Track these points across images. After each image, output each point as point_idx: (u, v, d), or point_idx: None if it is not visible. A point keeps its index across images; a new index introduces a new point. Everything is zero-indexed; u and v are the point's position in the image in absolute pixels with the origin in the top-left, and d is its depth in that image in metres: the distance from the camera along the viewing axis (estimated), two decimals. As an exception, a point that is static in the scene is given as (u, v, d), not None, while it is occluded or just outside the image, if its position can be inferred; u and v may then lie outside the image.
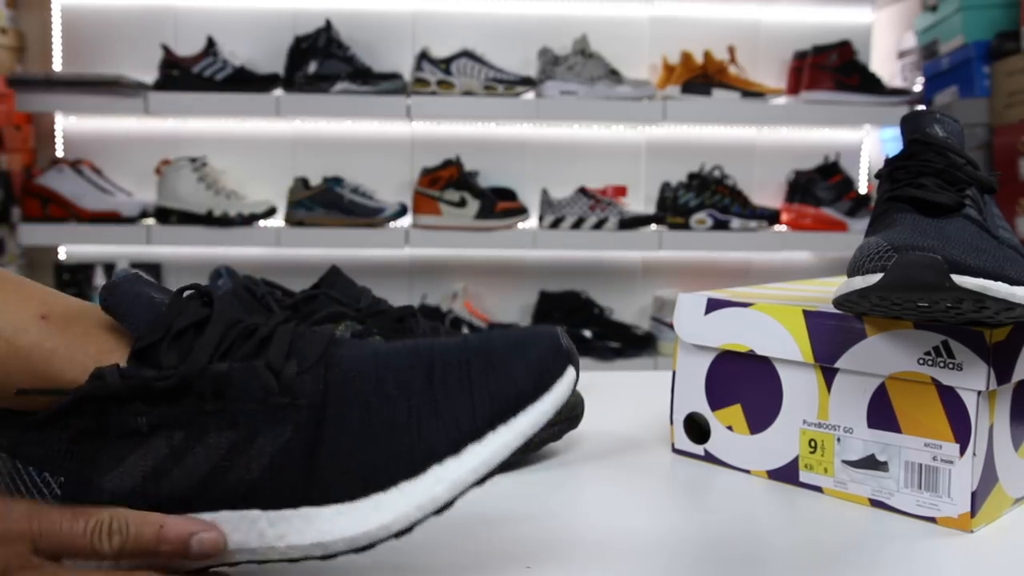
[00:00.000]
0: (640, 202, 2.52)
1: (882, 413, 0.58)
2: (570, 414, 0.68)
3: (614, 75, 2.30)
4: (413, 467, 0.40)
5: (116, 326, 0.43)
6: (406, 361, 0.42)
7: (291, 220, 2.27)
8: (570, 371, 0.42)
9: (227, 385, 0.41)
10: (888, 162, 0.62)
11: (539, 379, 0.41)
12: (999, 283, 0.48)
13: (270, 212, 2.25)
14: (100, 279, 2.30)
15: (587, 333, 2.34)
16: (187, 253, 2.41)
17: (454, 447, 0.40)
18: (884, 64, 2.61)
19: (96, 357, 0.42)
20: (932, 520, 0.57)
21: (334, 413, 0.41)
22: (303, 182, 2.28)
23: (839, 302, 0.55)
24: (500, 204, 2.28)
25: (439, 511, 0.41)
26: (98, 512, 0.39)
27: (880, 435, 0.59)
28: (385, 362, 0.42)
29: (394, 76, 2.26)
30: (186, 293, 0.44)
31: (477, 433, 0.41)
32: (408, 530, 0.41)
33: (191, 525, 0.40)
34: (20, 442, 0.41)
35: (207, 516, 0.41)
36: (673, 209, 2.35)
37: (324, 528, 0.40)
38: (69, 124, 2.43)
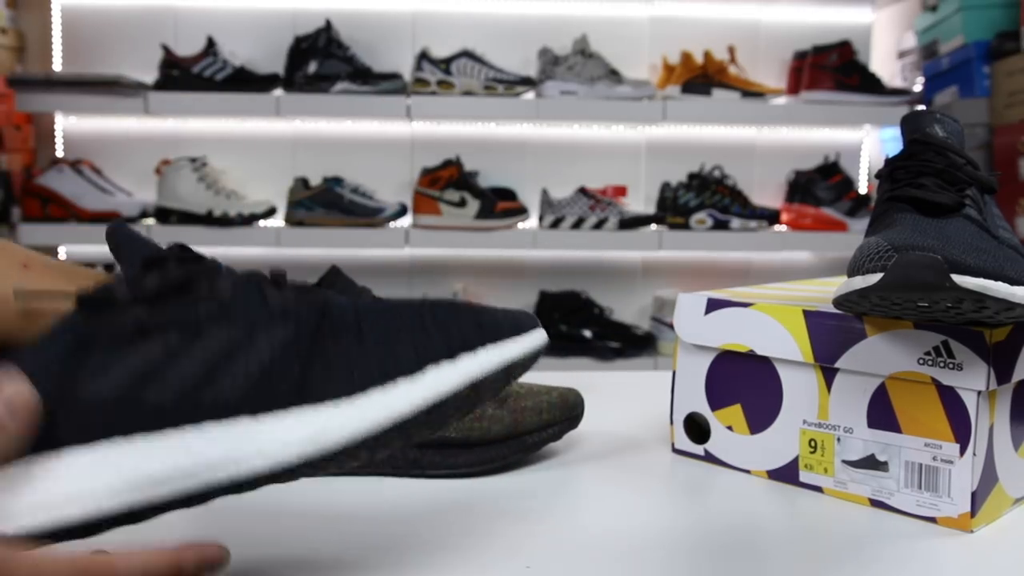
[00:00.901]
0: (640, 202, 2.52)
1: (882, 413, 0.58)
2: (570, 414, 0.68)
3: (614, 75, 2.30)
4: (409, 367, 0.42)
5: (99, 275, 0.45)
6: (393, 302, 0.45)
7: (291, 220, 2.27)
8: (540, 331, 0.46)
9: (232, 292, 0.42)
10: (888, 162, 0.62)
11: (518, 324, 0.45)
12: (999, 283, 0.48)
13: (270, 212, 2.25)
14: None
15: (587, 333, 2.34)
16: (187, 253, 2.41)
17: (448, 354, 0.42)
18: (884, 64, 2.61)
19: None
20: (932, 520, 0.57)
21: (332, 321, 0.42)
22: (303, 182, 2.28)
23: (839, 302, 0.55)
24: (500, 204, 2.28)
25: (439, 409, 0.42)
26: (96, 562, 0.36)
27: (880, 435, 0.59)
28: (375, 301, 0.45)
29: (394, 76, 2.26)
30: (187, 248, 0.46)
31: (469, 345, 0.43)
32: (408, 426, 0.41)
33: (204, 553, 0.38)
34: (14, 359, 0.39)
35: (191, 431, 0.39)
36: (673, 209, 2.35)
37: (318, 424, 0.40)
38: (69, 124, 2.43)
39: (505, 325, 0.44)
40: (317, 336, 0.42)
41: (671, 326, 1.00)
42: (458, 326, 0.43)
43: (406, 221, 2.35)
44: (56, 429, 0.38)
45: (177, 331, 0.40)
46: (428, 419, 0.42)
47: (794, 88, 2.43)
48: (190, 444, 0.39)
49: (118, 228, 0.44)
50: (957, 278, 0.48)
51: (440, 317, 0.44)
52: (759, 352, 0.64)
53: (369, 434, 0.40)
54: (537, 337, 0.45)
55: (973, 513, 0.55)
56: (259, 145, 2.46)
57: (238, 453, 0.39)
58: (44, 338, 0.39)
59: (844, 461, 0.61)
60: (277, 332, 0.41)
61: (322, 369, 0.41)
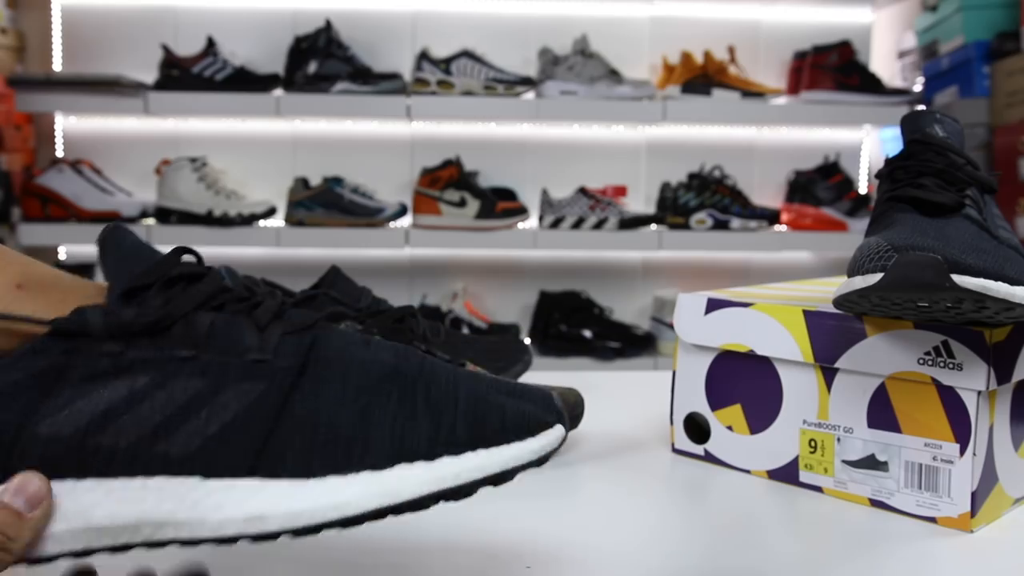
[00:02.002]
0: (640, 202, 2.52)
1: (882, 413, 0.58)
2: (570, 414, 0.68)
3: (614, 75, 2.30)
4: (379, 460, 0.38)
5: (94, 291, 0.42)
6: (393, 359, 0.41)
7: (291, 220, 2.27)
8: (559, 428, 0.40)
9: (208, 335, 0.39)
10: (888, 162, 0.62)
11: (526, 421, 0.39)
12: (999, 283, 0.48)
13: (270, 212, 2.25)
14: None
15: (587, 333, 2.34)
16: (187, 253, 2.41)
17: (427, 453, 0.38)
18: (884, 64, 2.61)
19: None
20: (932, 520, 0.57)
21: (309, 385, 0.39)
22: (303, 182, 2.28)
23: (839, 302, 0.55)
24: (500, 204, 2.28)
25: (394, 511, 0.38)
26: None
27: (880, 435, 0.59)
28: (373, 354, 0.41)
29: (394, 76, 2.26)
30: (184, 256, 0.42)
31: (454, 446, 0.38)
32: (357, 521, 0.38)
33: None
34: None
35: (138, 481, 0.38)
36: (673, 209, 2.35)
37: (268, 501, 0.37)
38: (69, 124, 2.43)
39: (510, 423, 0.39)
40: (289, 398, 0.39)
41: (671, 326, 1.00)
42: (453, 415, 0.39)
43: (406, 221, 2.35)
44: (10, 460, 0.37)
45: (144, 375, 0.38)
46: (380, 516, 0.38)
47: (794, 88, 2.43)
48: (138, 497, 0.37)
49: (108, 237, 0.42)
50: (957, 278, 0.48)
51: (435, 398, 0.39)
52: (759, 352, 0.64)
53: (312, 523, 0.38)
54: (545, 441, 0.39)
55: (973, 513, 0.55)
56: (259, 145, 2.46)
57: (182, 516, 0.37)
58: (9, 363, 0.38)
59: (844, 461, 0.61)
60: (245, 389, 0.38)
61: (286, 437, 0.38)
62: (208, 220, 2.19)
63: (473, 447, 0.38)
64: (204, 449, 0.38)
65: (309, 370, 0.39)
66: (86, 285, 0.43)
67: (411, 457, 0.38)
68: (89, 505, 0.37)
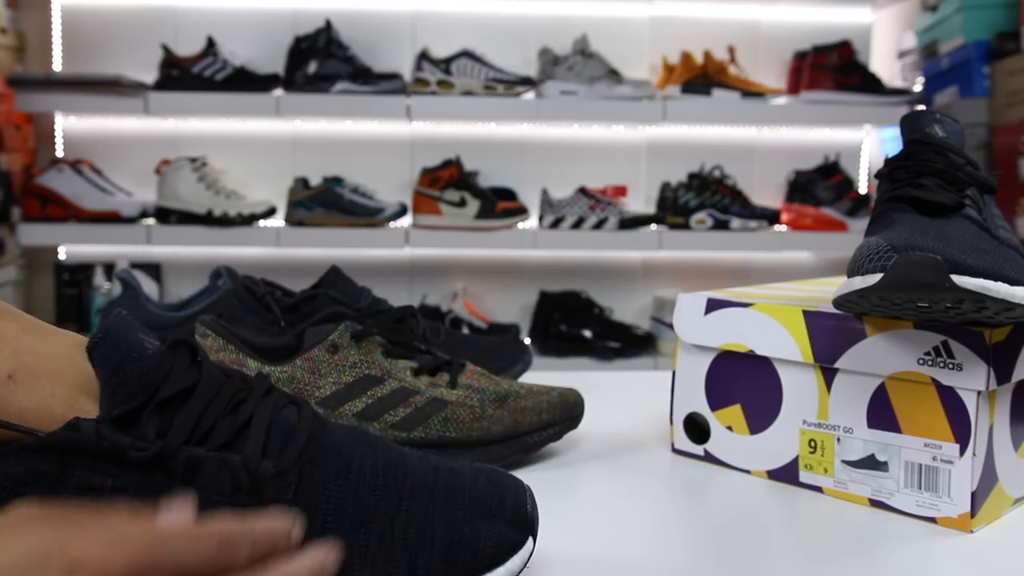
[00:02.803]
0: (640, 202, 2.52)
1: (882, 413, 0.58)
2: (570, 414, 0.68)
3: (614, 75, 2.30)
4: None
5: (86, 382, 0.42)
6: (374, 501, 0.42)
7: (291, 220, 2.27)
8: (528, 545, 0.44)
9: (199, 472, 0.40)
10: (888, 162, 0.62)
11: (497, 549, 0.43)
12: (999, 283, 0.48)
13: (270, 212, 2.25)
14: (100, 279, 2.30)
15: (587, 333, 2.34)
16: (187, 253, 2.41)
17: None
18: (884, 64, 2.61)
19: (63, 419, 0.40)
20: (932, 520, 0.57)
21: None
22: (303, 182, 2.28)
23: (839, 302, 0.55)
24: (500, 204, 2.28)
25: None
26: (210, 531, 0.36)
27: (880, 435, 0.59)
28: (354, 488, 0.42)
29: (394, 76, 2.26)
30: (176, 346, 0.43)
31: None
32: None
33: (288, 527, 0.38)
34: None
35: None
36: (673, 209, 2.35)
37: None
38: (69, 124, 2.43)
39: (483, 556, 0.42)
40: None
41: (671, 326, 1.00)
42: (429, 556, 0.41)
43: (406, 221, 2.35)
44: None
45: (138, 499, 0.39)
46: None
47: (794, 88, 2.43)
48: None
49: (95, 348, 0.42)
50: (957, 278, 0.48)
51: (412, 539, 0.41)
52: (759, 352, 0.64)
53: None
54: (513, 566, 0.43)
55: (973, 513, 0.55)
56: (259, 145, 2.46)
57: None
58: (11, 456, 0.39)
59: (844, 461, 0.61)
60: None
61: None
62: (208, 220, 2.19)
63: None
64: None
65: (295, 511, 0.40)
66: (79, 370, 0.42)
67: None
68: None
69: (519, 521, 0.44)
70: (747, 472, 0.66)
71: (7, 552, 0.32)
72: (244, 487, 0.41)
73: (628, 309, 2.53)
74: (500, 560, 0.43)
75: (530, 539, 0.44)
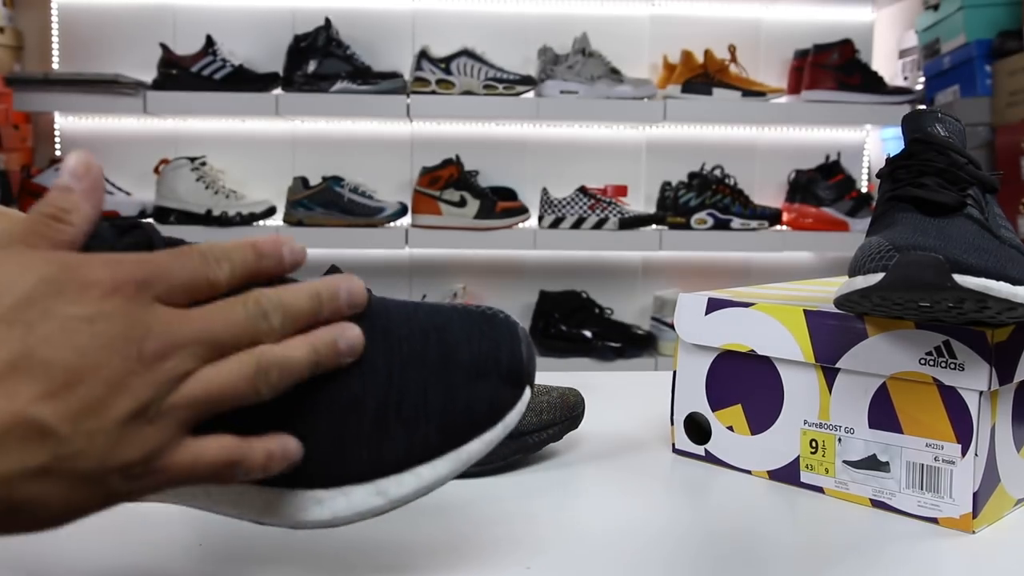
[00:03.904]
0: (640, 202, 2.52)
1: (883, 413, 0.58)
2: (570, 414, 0.67)
3: (614, 74, 2.30)
4: (360, 475, 0.41)
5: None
6: (369, 383, 0.41)
7: (291, 220, 2.26)
8: (525, 396, 0.44)
9: None
10: (889, 161, 0.61)
11: (494, 408, 0.43)
12: (1001, 283, 0.48)
13: (269, 212, 2.25)
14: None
15: (587, 333, 2.33)
16: (187, 253, 2.41)
17: (401, 467, 0.41)
18: (885, 63, 2.60)
19: None
20: (934, 521, 0.56)
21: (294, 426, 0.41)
22: (303, 181, 2.28)
23: (840, 302, 0.55)
24: (500, 204, 2.28)
25: (379, 513, 0.42)
26: (191, 248, 0.38)
27: (881, 435, 0.58)
28: (349, 381, 0.41)
29: (394, 75, 2.26)
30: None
31: (428, 457, 0.42)
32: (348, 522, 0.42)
33: (276, 238, 0.41)
34: None
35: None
36: (673, 209, 2.35)
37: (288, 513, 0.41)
38: (67, 123, 2.43)
39: (479, 416, 0.42)
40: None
41: (671, 326, 1.00)
42: (426, 428, 0.41)
43: (406, 221, 2.34)
44: None
45: None
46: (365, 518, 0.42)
47: (795, 87, 2.43)
48: None
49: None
50: (959, 278, 0.48)
51: (407, 413, 0.41)
52: (760, 352, 0.64)
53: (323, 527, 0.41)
54: (509, 420, 0.43)
55: (975, 514, 0.55)
56: (258, 144, 2.45)
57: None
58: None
59: (845, 462, 0.60)
60: None
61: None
62: (207, 220, 2.19)
63: (444, 451, 0.42)
64: None
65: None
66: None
67: (386, 473, 0.41)
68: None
69: (514, 375, 0.43)
70: (748, 472, 0.66)
71: (22, 280, 0.33)
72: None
73: (628, 309, 2.53)
74: (496, 418, 0.43)
75: (526, 390, 0.44)
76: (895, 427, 0.58)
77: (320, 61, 2.24)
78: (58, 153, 2.42)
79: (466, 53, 2.28)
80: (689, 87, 2.30)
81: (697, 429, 0.70)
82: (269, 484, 0.40)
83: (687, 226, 2.33)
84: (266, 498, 0.40)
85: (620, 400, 0.86)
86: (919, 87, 2.40)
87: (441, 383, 0.42)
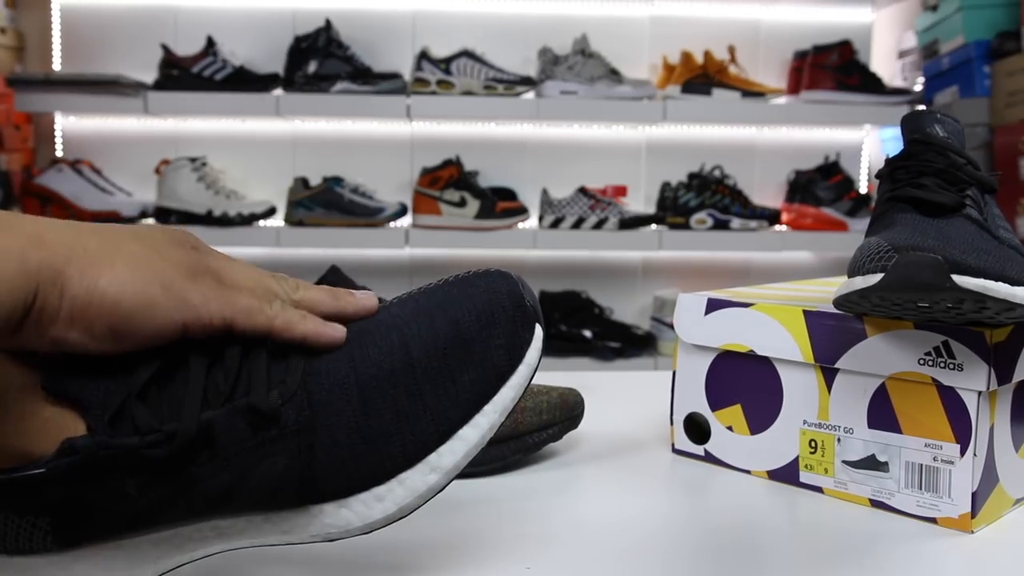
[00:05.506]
0: (640, 202, 2.52)
1: (882, 413, 0.58)
2: (570, 414, 0.68)
3: (614, 75, 2.30)
4: (407, 460, 0.42)
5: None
6: (386, 366, 0.42)
7: (291, 220, 2.27)
8: (538, 333, 0.45)
9: (214, 434, 0.39)
10: (888, 162, 0.62)
11: (512, 353, 0.44)
12: (1000, 283, 0.48)
13: (270, 212, 2.25)
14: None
15: (587, 333, 2.33)
16: (187, 253, 2.41)
17: (444, 436, 0.42)
18: (884, 64, 2.61)
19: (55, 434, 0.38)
20: (933, 521, 0.56)
21: (324, 433, 0.41)
22: (303, 182, 2.28)
23: (839, 302, 0.55)
24: (500, 204, 2.28)
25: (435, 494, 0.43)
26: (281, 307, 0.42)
27: (880, 435, 0.59)
28: (365, 373, 0.42)
29: (394, 76, 2.26)
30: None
31: (464, 419, 0.43)
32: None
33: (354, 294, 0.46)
34: None
35: (204, 521, 0.41)
36: (673, 209, 2.35)
37: (326, 522, 0.42)
38: (68, 124, 2.43)
39: (503, 366, 0.44)
40: (312, 457, 0.41)
41: (671, 326, 1.00)
42: (451, 401, 0.43)
43: (406, 221, 2.34)
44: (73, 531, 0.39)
45: (172, 485, 0.39)
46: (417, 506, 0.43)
47: (794, 88, 2.43)
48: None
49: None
50: (958, 278, 0.48)
51: (430, 396, 0.42)
52: (759, 352, 0.64)
53: (369, 529, 0.43)
54: (532, 357, 0.44)
55: (974, 514, 0.55)
56: (259, 145, 2.45)
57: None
58: (22, 488, 0.38)
59: (844, 462, 0.60)
60: (265, 469, 0.40)
61: (321, 484, 0.41)
62: (208, 220, 2.19)
63: (480, 407, 0.43)
64: (255, 504, 0.41)
65: (318, 423, 0.41)
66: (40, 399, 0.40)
67: (431, 448, 0.42)
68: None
69: (521, 315, 0.45)
70: (747, 472, 0.66)
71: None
72: (260, 425, 0.40)
73: (628, 309, 2.53)
74: (516, 361, 0.44)
75: (537, 326, 0.45)
76: (894, 427, 0.58)
77: (320, 62, 2.24)
78: (59, 153, 2.42)
79: (466, 54, 2.28)
80: (689, 87, 2.30)
81: (697, 429, 0.70)
82: (327, 500, 0.42)
83: (687, 226, 2.33)
84: (331, 510, 0.42)
85: (620, 400, 0.86)
86: (918, 88, 2.40)
87: (461, 365, 0.43)
